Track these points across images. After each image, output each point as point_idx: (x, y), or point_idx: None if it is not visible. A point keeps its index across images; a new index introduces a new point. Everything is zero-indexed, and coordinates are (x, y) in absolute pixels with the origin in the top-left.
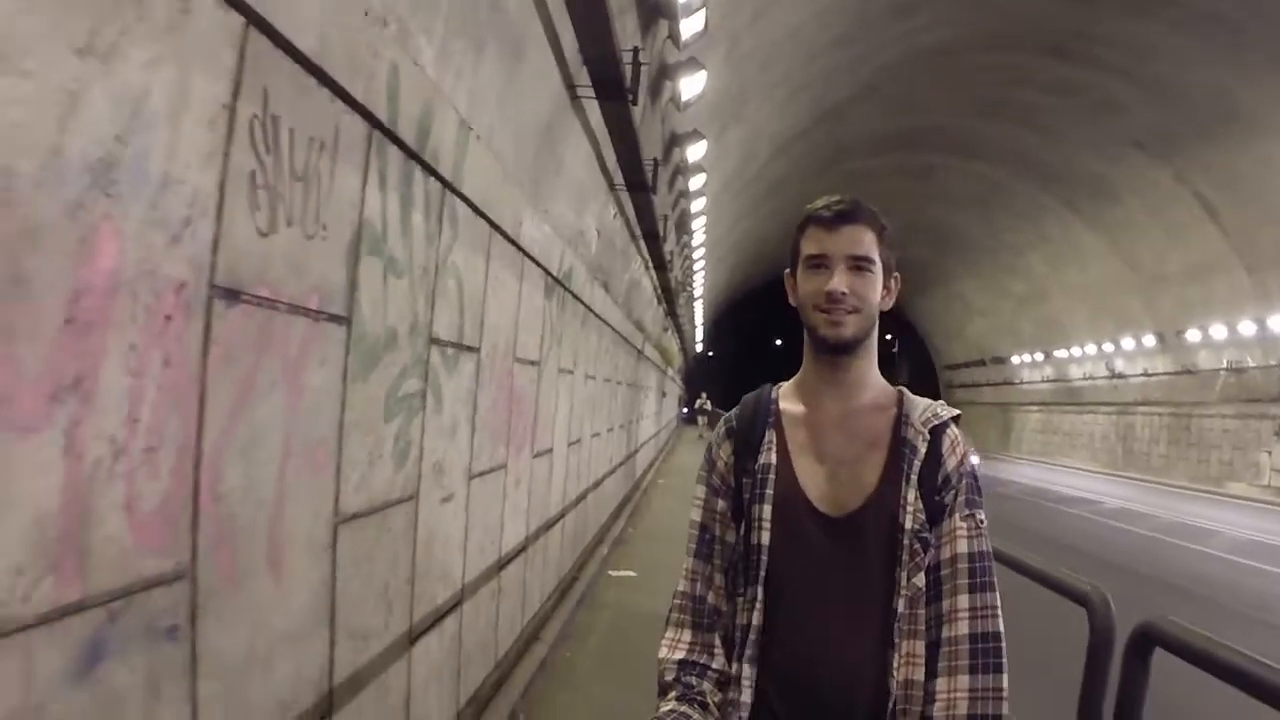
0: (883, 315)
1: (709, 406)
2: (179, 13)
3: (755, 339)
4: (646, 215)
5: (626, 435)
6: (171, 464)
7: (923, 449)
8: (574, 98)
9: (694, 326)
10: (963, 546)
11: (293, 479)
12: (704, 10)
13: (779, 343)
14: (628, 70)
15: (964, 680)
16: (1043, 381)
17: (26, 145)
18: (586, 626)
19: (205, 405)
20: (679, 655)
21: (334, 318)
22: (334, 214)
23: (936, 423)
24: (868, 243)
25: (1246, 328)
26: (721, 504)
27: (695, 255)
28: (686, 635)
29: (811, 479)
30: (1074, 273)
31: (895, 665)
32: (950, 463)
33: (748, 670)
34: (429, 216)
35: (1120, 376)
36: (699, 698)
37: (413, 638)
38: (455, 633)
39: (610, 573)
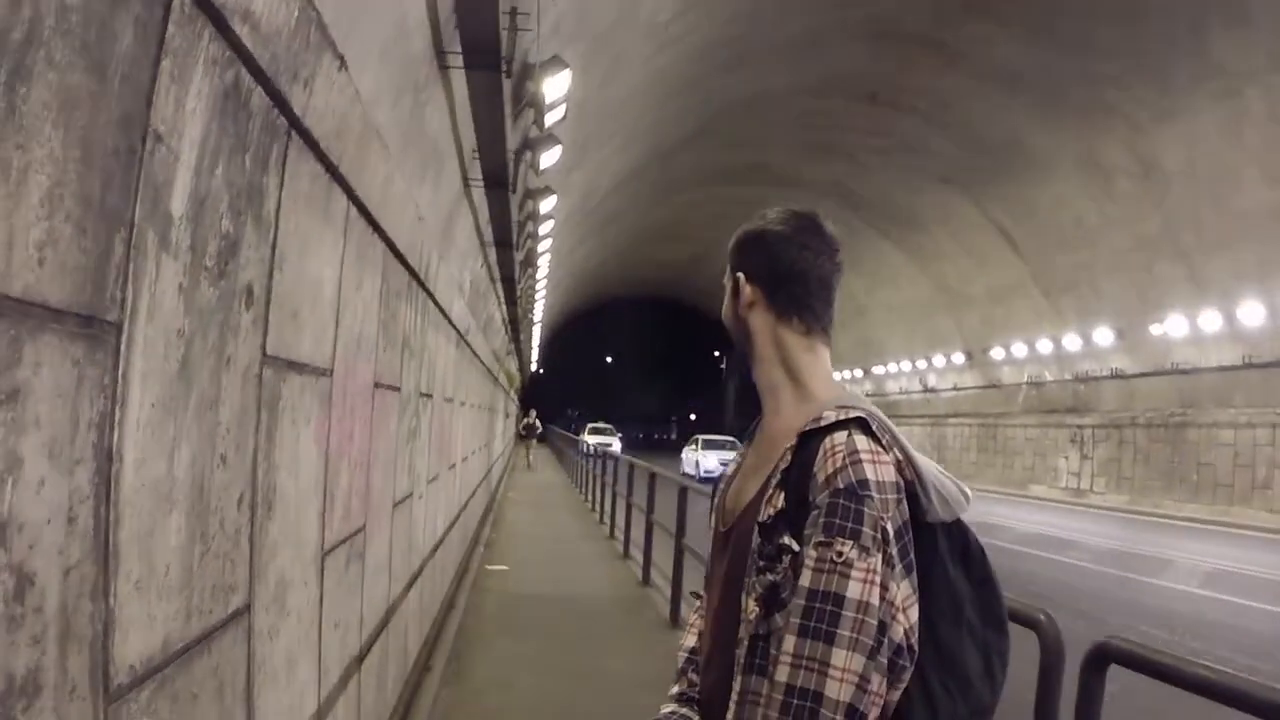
0: (714, 330)
1: (539, 425)
2: (373, 253)
3: (588, 356)
4: (506, 264)
5: (487, 454)
6: (363, 470)
7: (787, 459)
8: (466, 187)
9: (531, 349)
10: (804, 580)
11: (384, 480)
12: (565, 104)
13: (609, 360)
14: (511, 167)
15: None
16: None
17: (351, 335)
18: (479, 603)
19: (372, 438)
20: (689, 642)
21: (396, 389)
22: (398, 331)
23: (811, 428)
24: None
25: (1044, 345)
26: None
27: (538, 287)
28: (696, 621)
29: (728, 497)
30: (889, 293)
31: (731, 700)
32: (820, 476)
33: (675, 688)
34: (421, 315)
35: (933, 391)
36: (700, 695)
37: (408, 587)
38: (420, 591)
39: (487, 567)
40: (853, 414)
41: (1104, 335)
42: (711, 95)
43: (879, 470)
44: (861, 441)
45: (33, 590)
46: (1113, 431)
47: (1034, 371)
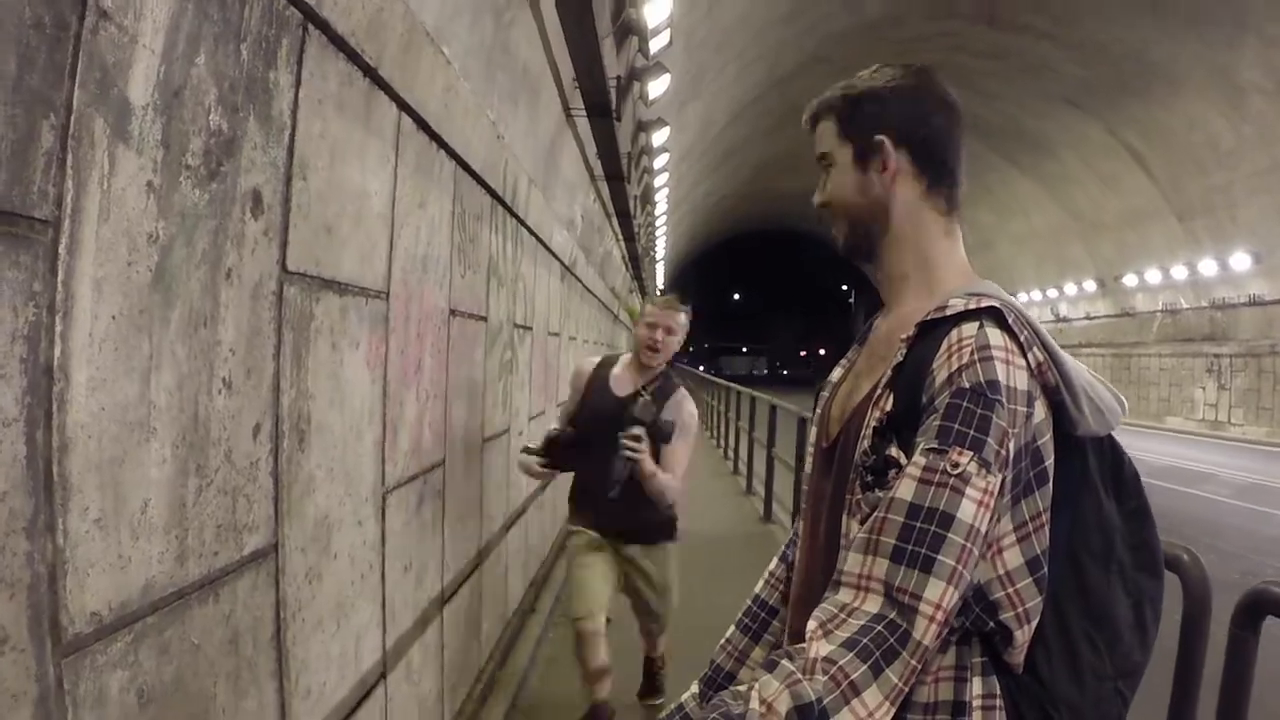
0: (842, 266)
1: None
2: (439, 171)
3: (715, 294)
4: (619, 197)
5: None
6: (439, 401)
7: (902, 352)
8: (569, 116)
9: (656, 288)
10: (904, 491)
11: (470, 413)
12: (669, 30)
13: (736, 297)
14: (613, 95)
15: (824, 647)
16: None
17: (412, 257)
18: None
19: (449, 368)
20: (756, 588)
21: (481, 319)
22: (480, 256)
23: (934, 317)
24: (825, 135)
25: (1179, 272)
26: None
27: (658, 223)
28: (773, 566)
29: (833, 405)
30: (1018, 223)
31: None
32: (940, 373)
33: (782, 610)
34: (512, 242)
35: (1065, 320)
36: (719, 672)
37: (507, 527)
38: (524, 531)
39: None
40: (985, 303)
41: (1241, 260)
42: (824, 18)
43: (1012, 374)
44: (995, 336)
45: None
46: (1251, 360)
47: (1168, 299)
